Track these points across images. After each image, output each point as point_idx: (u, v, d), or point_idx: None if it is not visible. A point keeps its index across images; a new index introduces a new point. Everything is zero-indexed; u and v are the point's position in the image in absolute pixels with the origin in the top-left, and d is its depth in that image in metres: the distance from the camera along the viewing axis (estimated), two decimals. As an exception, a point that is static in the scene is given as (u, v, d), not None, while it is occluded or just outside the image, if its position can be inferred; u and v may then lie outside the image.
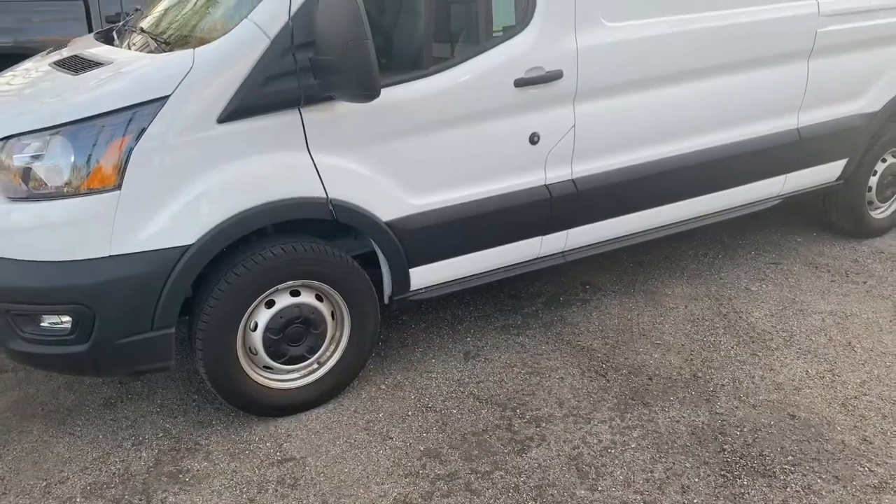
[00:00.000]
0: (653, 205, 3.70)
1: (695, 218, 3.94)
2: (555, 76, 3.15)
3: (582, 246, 3.60)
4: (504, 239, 3.31)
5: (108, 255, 2.53)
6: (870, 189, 4.56)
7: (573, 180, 3.38)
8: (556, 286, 4.12)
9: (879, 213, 4.70)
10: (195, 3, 3.20)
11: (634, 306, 3.89)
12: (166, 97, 2.51)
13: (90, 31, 5.28)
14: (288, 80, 2.63)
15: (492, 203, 3.20)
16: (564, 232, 3.47)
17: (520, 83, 3.09)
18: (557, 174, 3.34)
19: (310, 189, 2.77)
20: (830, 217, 4.68)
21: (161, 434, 2.94)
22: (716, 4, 3.54)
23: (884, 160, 4.56)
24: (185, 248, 2.59)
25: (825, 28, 3.84)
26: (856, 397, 3.08)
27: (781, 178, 4.10)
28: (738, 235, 4.72)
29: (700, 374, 3.26)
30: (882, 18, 4.07)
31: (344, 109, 2.75)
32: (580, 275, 4.22)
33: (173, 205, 2.57)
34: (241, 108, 2.59)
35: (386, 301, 3.19)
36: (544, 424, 2.94)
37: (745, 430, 2.88)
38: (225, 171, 2.62)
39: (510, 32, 3.08)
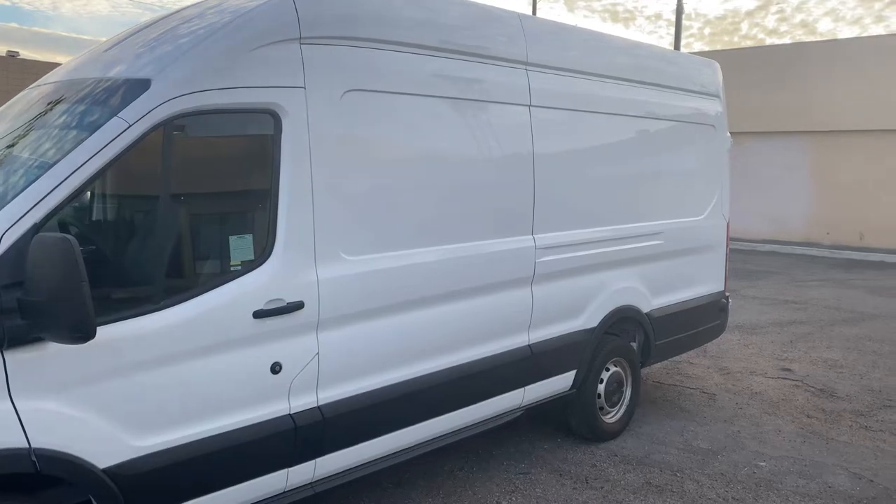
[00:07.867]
0: (403, 425, 3.76)
1: (446, 434, 4.06)
2: (296, 307, 3.22)
3: (333, 474, 3.51)
4: (245, 476, 3.13)
5: None
6: (599, 396, 5.05)
7: (319, 407, 3.36)
8: (312, 517, 3.91)
9: (611, 418, 5.18)
10: None
11: (390, 534, 3.79)
12: None
13: None
14: (-12, 322, 2.42)
15: (230, 438, 3.05)
16: (312, 462, 3.37)
17: (259, 314, 3.11)
18: (302, 402, 3.31)
19: (8, 439, 2.46)
20: (570, 423, 5.07)
21: None
22: (446, 239, 3.92)
23: (608, 369, 5.12)
24: None
25: (542, 258, 4.41)
26: None
27: (521, 390, 4.42)
28: (491, 446, 4.90)
29: None
30: (587, 250, 4.76)
31: (56, 349, 2.55)
32: (338, 500, 4.06)
33: None
34: (-75, 354, 2.31)
35: (105, 562, 2.80)
36: None
37: None
38: None
39: (248, 266, 3.13)
